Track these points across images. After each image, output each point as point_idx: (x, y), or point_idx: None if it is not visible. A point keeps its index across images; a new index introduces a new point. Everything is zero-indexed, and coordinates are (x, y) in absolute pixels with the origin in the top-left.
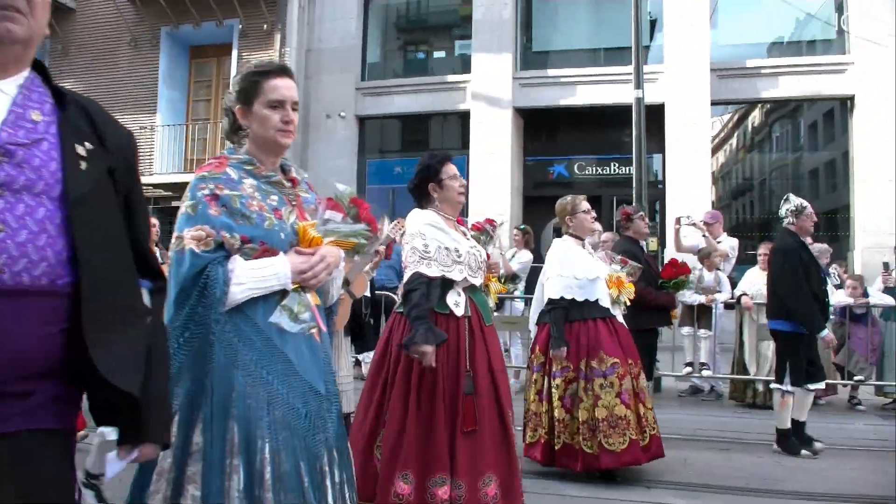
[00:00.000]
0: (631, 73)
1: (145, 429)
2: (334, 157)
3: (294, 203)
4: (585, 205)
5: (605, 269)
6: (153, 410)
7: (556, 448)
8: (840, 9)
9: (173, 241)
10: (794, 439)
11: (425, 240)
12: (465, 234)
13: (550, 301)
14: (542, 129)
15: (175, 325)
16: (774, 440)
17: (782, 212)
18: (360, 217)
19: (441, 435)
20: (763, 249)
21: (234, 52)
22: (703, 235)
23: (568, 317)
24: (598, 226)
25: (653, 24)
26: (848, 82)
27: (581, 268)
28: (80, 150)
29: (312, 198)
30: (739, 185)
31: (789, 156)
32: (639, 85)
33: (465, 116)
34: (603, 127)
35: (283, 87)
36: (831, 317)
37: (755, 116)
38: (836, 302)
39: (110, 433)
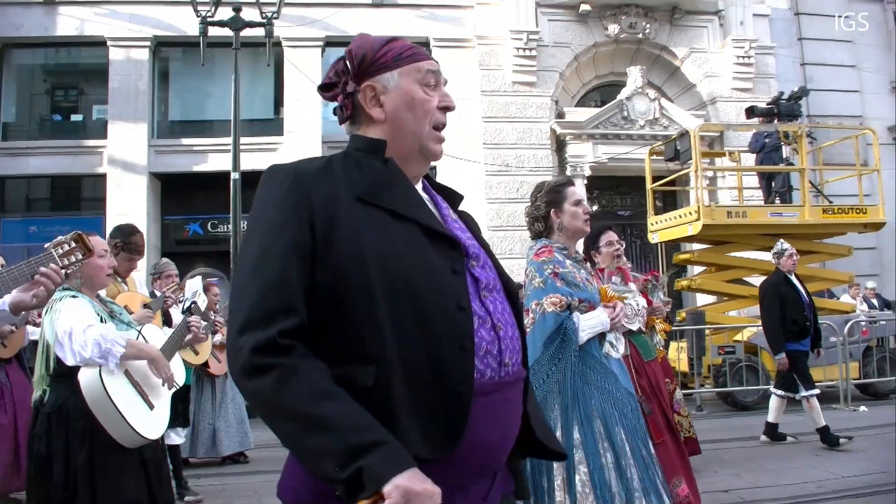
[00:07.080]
0: (255, 144)
1: (523, 489)
2: None
3: (592, 274)
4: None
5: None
6: (524, 475)
7: None
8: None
9: (533, 306)
10: (831, 434)
11: None
12: None
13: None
14: (178, 192)
15: (543, 363)
16: (819, 438)
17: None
18: (625, 280)
19: None
20: None
21: None
22: None
23: None
24: None
25: (278, 100)
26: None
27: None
28: (485, 240)
29: (592, 269)
30: None
31: None
32: (235, 168)
33: (103, 179)
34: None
35: (579, 191)
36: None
37: None
38: None
39: None
